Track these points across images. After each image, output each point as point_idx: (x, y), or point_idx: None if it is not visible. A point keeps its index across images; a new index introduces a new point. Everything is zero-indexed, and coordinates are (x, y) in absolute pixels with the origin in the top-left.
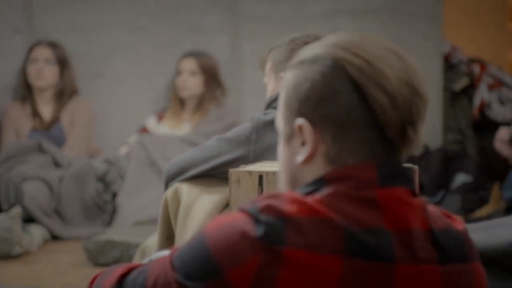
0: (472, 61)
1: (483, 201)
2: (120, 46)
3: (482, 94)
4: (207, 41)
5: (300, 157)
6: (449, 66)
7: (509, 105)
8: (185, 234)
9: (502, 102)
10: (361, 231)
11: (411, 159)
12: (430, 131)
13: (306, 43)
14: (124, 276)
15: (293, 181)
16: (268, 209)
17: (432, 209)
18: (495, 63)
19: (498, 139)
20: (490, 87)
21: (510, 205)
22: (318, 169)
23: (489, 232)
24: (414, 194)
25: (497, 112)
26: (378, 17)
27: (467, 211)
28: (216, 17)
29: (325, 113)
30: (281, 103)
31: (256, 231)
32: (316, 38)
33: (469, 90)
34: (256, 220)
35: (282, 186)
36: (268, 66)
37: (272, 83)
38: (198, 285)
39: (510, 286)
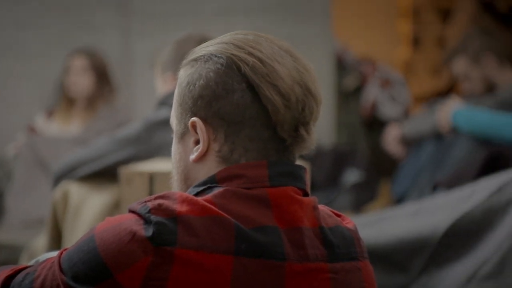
0: (363, 59)
1: (373, 198)
2: (8, 43)
3: (372, 92)
4: (97, 39)
5: (193, 156)
6: (340, 64)
7: (399, 103)
8: (74, 235)
9: (391, 100)
10: (252, 230)
11: (305, 158)
12: (322, 130)
13: (193, 42)
14: (10, 278)
15: (186, 180)
16: (159, 209)
17: (322, 207)
18: (385, 62)
19: (389, 136)
20: (380, 85)
21: (399, 200)
22: (210, 167)
23: (377, 227)
24: (304, 193)
25: (387, 110)
26: (271, 15)
27: (359, 208)
28: (107, 14)
29: (218, 112)
30: (174, 101)
31: (146, 231)
32: (204, 38)
33: (360, 88)
34: (146, 220)
35: (174, 185)
36: (157, 66)
37: (161, 82)
38: (87, 287)
39: (398, 281)
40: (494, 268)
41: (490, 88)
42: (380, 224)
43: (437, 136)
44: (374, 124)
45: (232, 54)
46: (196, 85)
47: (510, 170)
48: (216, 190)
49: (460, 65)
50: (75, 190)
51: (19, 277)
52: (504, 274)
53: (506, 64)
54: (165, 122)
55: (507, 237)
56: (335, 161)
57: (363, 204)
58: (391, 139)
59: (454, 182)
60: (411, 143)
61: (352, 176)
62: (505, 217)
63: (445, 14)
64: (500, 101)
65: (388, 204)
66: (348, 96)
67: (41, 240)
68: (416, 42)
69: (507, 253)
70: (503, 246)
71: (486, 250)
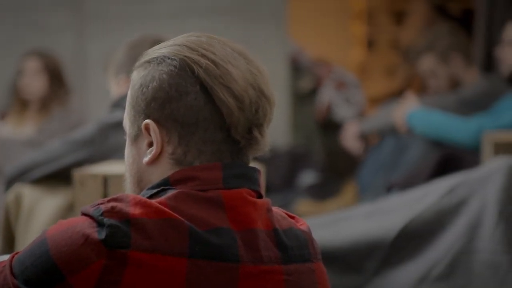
0: (317, 61)
1: (330, 199)
2: None
3: (327, 94)
4: (51, 40)
5: (146, 158)
6: (295, 66)
7: (353, 105)
8: (27, 239)
9: (346, 101)
10: (206, 232)
11: (259, 160)
12: (278, 132)
13: (146, 44)
14: None
15: (139, 182)
16: (112, 212)
17: (276, 209)
18: (339, 64)
19: (347, 133)
20: (335, 87)
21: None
22: (164, 170)
23: (332, 229)
24: (258, 195)
25: (342, 111)
26: (225, 17)
27: (316, 203)
28: (60, 15)
29: (172, 114)
30: (127, 103)
31: (99, 234)
32: (157, 40)
33: (315, 90)
34: (99, 223)
35: (128, 187)
36: (110, 68)
37: (114, 85)
38: None
39: (352, 282)
40: (446, 269)
41: (455, 86)
42: (335, 225)
43: (396, 134)
44: (329, 126)
45: (185, 56)
46: (149, 87)
47: (462, 172)
48: (170, 193)
49: (428, 63)
50: (28, 193)
51: None
52: (455, 275)
53: (472, 64)
54: (119, 124)
55: (458, 238)
56: (290, 163)
57: (321, 206)
58: (350, 135)
59: (408, 183)
60: (370, 139)
61: (307, 177)
62: (456, 219)
63: (399, 17)
64: (460, 101)
65: (351, 203)
66: (303, 98)
67: None
68: (370, 44)
69: (458, 254)
70: (454, 247)
71: (438, 252)
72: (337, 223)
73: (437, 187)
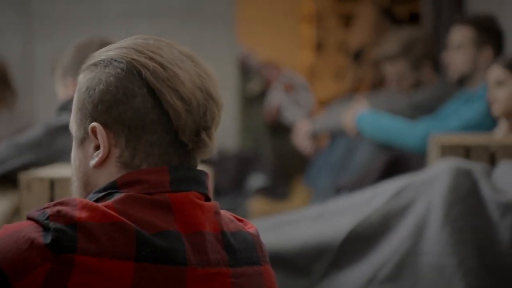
0: (266, 64)
1: (279, 201)
2: None
3: (276, 96)
4: None
5: (93, 161)
6: (244, 69)
7: (302, 107)
8: None
9: (295, 104)
10: (153, 235)
11: (208, 163)
12: (227, 135)
13: (93, 46)
14: None
15: (86, 186)
16: (57, 215)
17: (224, 212)
18: (288, 66)
19: (299, 132)
20: (284, 90)
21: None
22: (111, 173)
23: (280, 232)
24: (206, 198)
25: (291, 113)
26: (174, 19)
27: (264, 212)
28: (6, 15)
29: (119, 117)
30: (74, 106)
31: (44, 239)
32: (105, 42)
33: (264, 92)
34: (44, 227)
35: (74, 191)
36: (58, 71)
37: (61, 87)
38: None
39: (300, 285)
40: (392, 271)
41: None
42: (284, 228)
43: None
44: (278, 128)
45: (132, 59)
46: (96, 90)
47: (409, 175)
48: (117, 196)
49: (399, 67)
50: None
51: None
52: (402, 276)
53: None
54: (66, 127)
55: (404, 240)
56: (239, 166)
57: (270, 209)
58: (301, 134)
59: (356, 185)
60: (321, 138)
61: (256, 180)
62: (403, 221)
63: (347, 20)
64: (411, 104)
65: (302, 203)
66: (252, 101)
67: None
68: (319, 47)
69: (405, 256)
70: (400, 249)
71: (385, 253)
72: (285, 225)
73: (384, 189)
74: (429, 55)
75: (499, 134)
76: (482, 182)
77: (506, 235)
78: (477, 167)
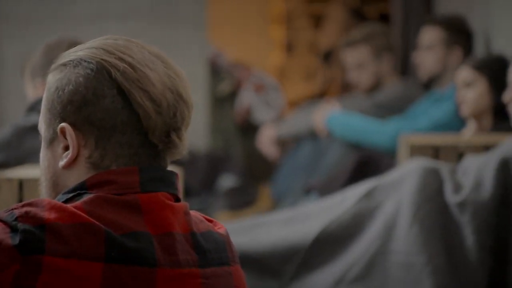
0: (236, 64)
1: (249, 202)
2: None
3: (246, 97)
4: None
5: (62, 162)
6: (214, 69)
7: (272, 108)
8: None
9: (265, 104)
10: (123, 236)
11: (178, 163)
12: (197, 135)
13: (63, 46)
14: None
15: (55, 187)
16: (26, 217)
17: (194, 213)
18: (259, 67)
19: (263, 137)
20: (254, 90)
21: (278, 202)
22: (81, 174)
23: (251, 234)
24: (176, 198)
25: (261, 114)
26: (144, 20)
27: (234, 213)
28: None
29: (88, 117)
30: (43, 106)
31: (12, 240)
32: (74, 42)
33: (234, 93)
34: (12, 228)
35: (43, 191)
36: (27, 71)
37: (30, 88)
38: None
39: (271, 286)
40: (362, 271)
41: (375, 86)
42: (254, 231)
43: (314, 137)
44: (249, 129)
45: (102, 59)
46: (65, 91)
47: (378, 176)
48: (86, 197)
49: (360, 54)
50: None
51: None
52: (371, 275)
53: (395, 70)
54: (35, 128)
55: (374, 240)
56: (209, 167)
57: (240, 210)
58: (266, 140)
59: (326, 186)
60: (286, 143)
61: (227, 181)
62: (373, 221)
63: (317, 20)
64: (376, 104)
65: (267, 208)
66: (222, 101)
67: None
68: (289, 47)
69: (374, 255)
70: (370, 249)
71: (355, 254)
72: (255, 228)
73: (354, 192)
74: (390, 49)
75: (468, 134)
76: (447, 182)
77: (468, 232)
78: (444, 167)
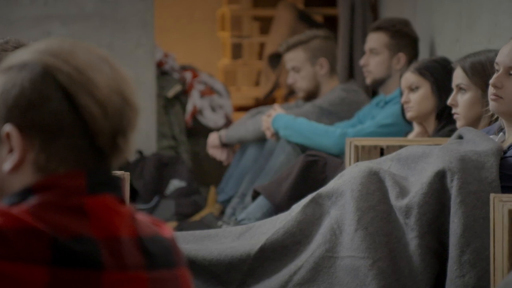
0: (184, 68)
1: (197, 206)
2: None
3: (194, 100)
4: None
5: (7, 166)
6: (162, 73)
7: (220, 112)
8: None
9: (213, 108)
10: (68, 240)
11: (126, 166)
12: (144, 138)
13: (7, 49)
14: None
15: (1, 191)
16: None
17: (141, 216)
18: (206, 71)
19: (209, 145)
20: (202, 94)
21: (224, 207)
22: (26, 178)
23: (200, 243)
24: (122, 202)
25: (209, 118)
26: (90, 23)
27: (182, 216)
28: None
29: (34, 120)
30: None
31: None
32: (19, 45)
33: (182, 97)
34: None
35: None
36: None
37: None
38: None
39: None
40: (308, 274)
41: (313, 90)
42: (204, 241)
43: (260, 141)
44: (196, 133)
45: (47, 62)
46: (11, 94)
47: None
48: (32, 201)
49: (297, 56)
50: None
51: None
52: (317, 279)
53: (334, 74)
54: None
55: (320, 244)
56: (157, 170)
57: (188, 213)
58: (213, 144)
59: (273, 188)
60: (234, 147)
61: (174, 185)
62: (318, 228)
63: (265, 24)
64: (318, 109)
65: (215, 212)
66: (170, 105)
67: None
68: (236, 51)
69: (321, 259)
70: (316, 253)
71: (300, 258)
72: (206, 239)
73: (300, 201)
74: (326, 53)
75: (412, 137)
76: (390, 187)
77: (412, 236)
78: (383, 164)
